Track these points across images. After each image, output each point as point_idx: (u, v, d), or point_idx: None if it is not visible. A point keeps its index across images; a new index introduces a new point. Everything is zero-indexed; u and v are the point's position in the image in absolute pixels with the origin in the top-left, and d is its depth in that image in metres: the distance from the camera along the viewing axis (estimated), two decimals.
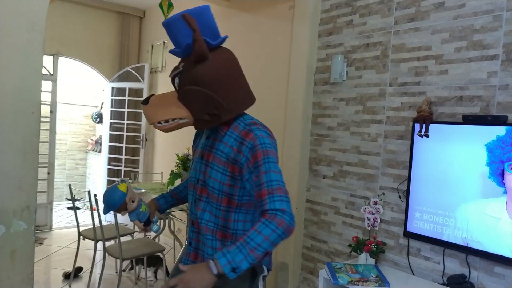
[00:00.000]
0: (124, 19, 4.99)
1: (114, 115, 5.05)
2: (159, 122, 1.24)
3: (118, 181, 1.43)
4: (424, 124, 2.02)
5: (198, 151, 1.36)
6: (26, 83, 1.69)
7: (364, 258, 2.11)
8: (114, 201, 1.34)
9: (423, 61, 2.14)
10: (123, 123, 4.94)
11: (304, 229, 2.74)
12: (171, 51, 1.28)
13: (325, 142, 2.63)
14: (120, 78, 4.94)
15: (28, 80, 1.71)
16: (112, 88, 5.00)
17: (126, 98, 4.89)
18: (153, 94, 1.30)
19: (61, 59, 4.67)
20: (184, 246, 1.56)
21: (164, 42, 4.65)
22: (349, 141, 2.48)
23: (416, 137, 2.08)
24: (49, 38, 4.76)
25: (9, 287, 1.61)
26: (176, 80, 1.25)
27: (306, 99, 2.68)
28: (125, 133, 4.93)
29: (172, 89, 1.28)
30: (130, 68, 4.84)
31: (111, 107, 5.02)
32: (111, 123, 5.03)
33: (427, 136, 2.01)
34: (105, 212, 1.37)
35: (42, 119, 4.59)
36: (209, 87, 1.19)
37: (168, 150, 4.59)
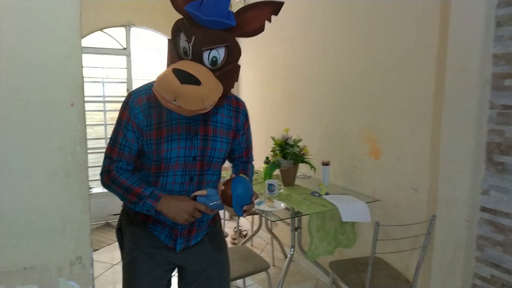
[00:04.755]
0: None
1: None
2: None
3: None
4: None
5: (175, 128, 1.26)
6: (56, 58, 0.99)
7: None
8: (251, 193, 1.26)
9: None
10: None
11: (477, 250, 1.83)
12: (208, 20, 1.10)
13: None
14: None
15: (59, 53, 1.00)
16: None
17: None
18: (181, 69, 1.10)
19: (133, 30, 4.13)
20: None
21: (244, 0, 3.83)
22: None
23: None
24: (119, 7, 4.25)
25: None
26: (217, 53, 1.15)
27: (482, 49, 1.70)
28: None
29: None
30: None
31: None
32: None
33: None
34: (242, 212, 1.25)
35: (118, 99, 4.18)
36: None
37: (256, 129, 3.87)
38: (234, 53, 1.18)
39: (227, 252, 1.50)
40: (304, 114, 3.11)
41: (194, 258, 1.41)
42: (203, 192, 1.26)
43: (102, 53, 4.01)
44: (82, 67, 1.03)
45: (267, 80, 3.61)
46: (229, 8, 1.14)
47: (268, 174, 2.63)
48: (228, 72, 1.18)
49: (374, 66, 2.40)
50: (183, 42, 1.15)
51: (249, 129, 1.50)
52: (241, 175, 1.26)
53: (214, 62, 1.14)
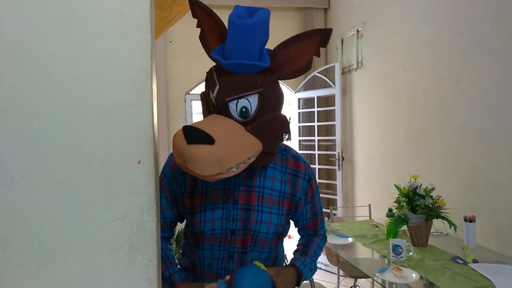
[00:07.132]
0: (306, 15, 4.16)
1: (303, 131, 4.26)
2: (231, 167, 0.92)
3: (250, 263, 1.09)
4: None
5: (210, 195, 1.07)
6: (120, 105, 0.82)
7: None
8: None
9: None
10: (314, 140, 4.07)
11: None
12: (229, 63, 0.93)
13: None
14: (307, 87, 4.11)
15: (125, 98, 0.83)
16: (299, 99, 4.22)
17: (315, 109, 4.00)
18: (191, 126, 0.91)
19: None
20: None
21: (357, 31, 3.54)
22: None
23: None
24: None
25: None
26: (248, 103, 0.95)
27: None
28: (316, 152, 4.03)
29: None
30: (317, 72, 3.93)
31: (299, 122, 4.24)
32: (300, 141, 4.26)
33: None
34: None
35: None
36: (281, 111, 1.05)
37: (374, 173, 3.40)
38: (271, 100, 0.97)
39: None
40: (436, 157, 2.56)
41: None
42: (212, 285, 1.05)
43: None
44: (153, 116, 0.83)
45: (386, 116, 3.17)
46: (264, 46, 0.96)
47: (392, 231, 2.16)
48: (264, 124, 0.97)
49: None
50: (211, 94, 0.99)
51: (316, 196, 1.21)
52: (256, 262, 1.02)
53: (244, 113, 0.95)
